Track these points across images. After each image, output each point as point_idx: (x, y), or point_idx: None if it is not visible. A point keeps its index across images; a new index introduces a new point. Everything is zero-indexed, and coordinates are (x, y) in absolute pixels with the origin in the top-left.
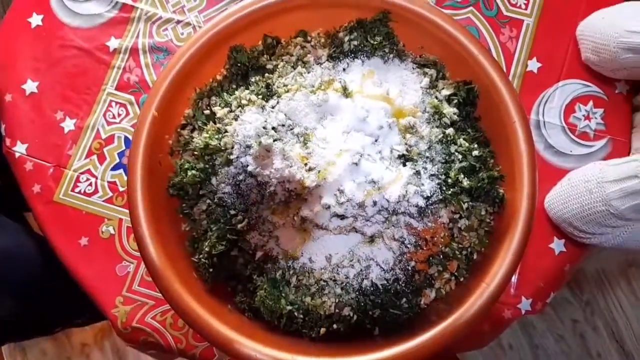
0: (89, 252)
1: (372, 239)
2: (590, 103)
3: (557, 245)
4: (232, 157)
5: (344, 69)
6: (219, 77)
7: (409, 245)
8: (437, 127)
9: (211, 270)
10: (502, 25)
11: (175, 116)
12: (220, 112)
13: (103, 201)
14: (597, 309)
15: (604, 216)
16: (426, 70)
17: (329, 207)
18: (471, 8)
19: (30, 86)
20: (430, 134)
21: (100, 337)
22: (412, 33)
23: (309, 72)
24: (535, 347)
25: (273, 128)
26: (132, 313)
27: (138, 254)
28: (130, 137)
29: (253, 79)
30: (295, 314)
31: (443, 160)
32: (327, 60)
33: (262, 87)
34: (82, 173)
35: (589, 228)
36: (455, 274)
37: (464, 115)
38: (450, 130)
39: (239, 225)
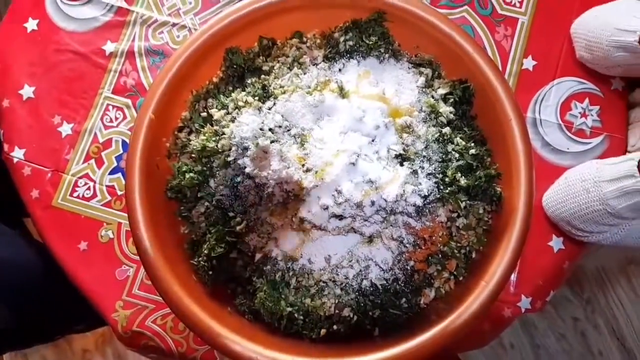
0: (88, 256)
1: (370, 239)
2: (586, 100)
3: (556, 243)
4: (229, 159)
5: (339, 70)
6: (215, 79)
7: (407, 245)
8: (434, 126)
9: (210, 272)
10: (497, 23)
11: (172, 119)
12: (217, 114)
13: (102, 205)
14: (597, 307)
15: (601, 215)
16: (422, 69)
17: (327, 207)
18: (466, 7)
19: (27, 91)
20: (426, 133)
21: (101, 343)
22: (407, 33)
23: (305, 73)
24: (536, 347)
25: (270, 129)
26: (132, 317)
27: (137, 257)
28: (127, 140)
29: (249, 81)
30: (295, 315)
31: (440, 159)
32: (323, 61)
33: (258, 88)
34: (80, 177)
35: (587, 227)
36: (455, 273)
37: (460, 114)
38: (446, 129)
39: (238, 227)
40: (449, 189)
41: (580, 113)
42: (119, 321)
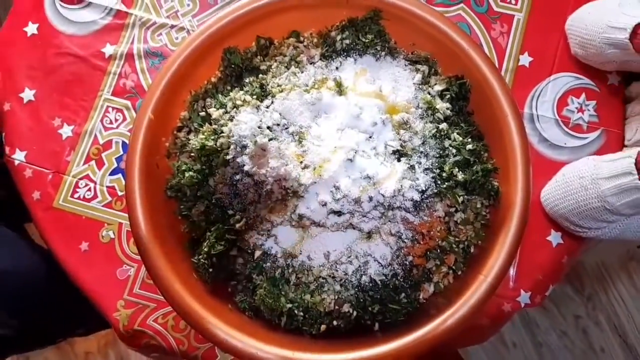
0: (90, 256)
1: (369, 235)
2: (583, 95)
3: (555, 237)
4: (228, 157)
5: (336, 68)
6: (213, 79)
7: (406, 240)
8: (431, 122)
9: (211, 270)
10: (492, 21)
11: (171, 119)
12: (215, 113)
13: (102, 206)
14: (598, 304)
15: (599, 212)
16: (418, 66)
17: (325, 203)
18: (462, 5)
19: (28, 94)
20: (423, 129)
21: (104, 346)
22: (403, 30)
23: (302, 72)
24: (538, 344)
25: (268, 127)
26: (133, 316)
27: (138, 257)
28: (127, 141)
29: (247, 80)
30: (295, 311)
31: (437, 155)
32: (320, 59)
33: (256, 87)
34: (80, 179)
35: (585, 223)
36: (453, 267)
37: (457, 110)
38: (443, 125)
39: (237, 225)
40: (446, 183)
41: (577, 108)
42: (120, 320)
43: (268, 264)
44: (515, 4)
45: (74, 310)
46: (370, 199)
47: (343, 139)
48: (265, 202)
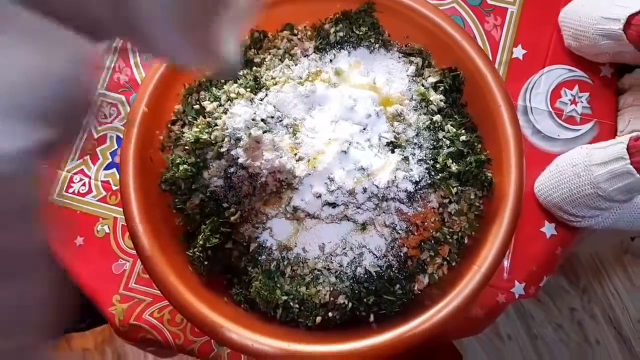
0: (85, 251)
1: (364, 227)
2: (576, 87)
3: (548, 228)
4: (222, 150)
5: (330, 60)
6: (207, 72)
7: (400, 231)
8: (425, 114)
9: (206, 263)
10: (486, 13)
11: (165, 112)
12: (209, 106)
13: (97, 201)
14: (594, 297)
15: (592, 199)
16: (412, 58)
17: (320, 195)
18: None
19: None
20: (417, 121)
21: (100, 342)
22: (397, 23)
23: (296, 65)
24: (534, 337)
25: (262, 120)
26: (129, 310)
27: (134, 252)
28: (122, 136)
29: (241, 73)
30: (291, 303)
31: (431, 146)
32: (314, 52)
33: (250, 80)
34: (75, 173)
35: (579, 211)
36: (447, 258)
37: (451, 102)
38: (437, 117)
39: (232, 218)
40: (440, 175)
41: (570, 100)
42: (116, 315)
43: (263, 257)
44: None
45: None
46: (365, 190)
47: (337, 131)
48: (260, 194)
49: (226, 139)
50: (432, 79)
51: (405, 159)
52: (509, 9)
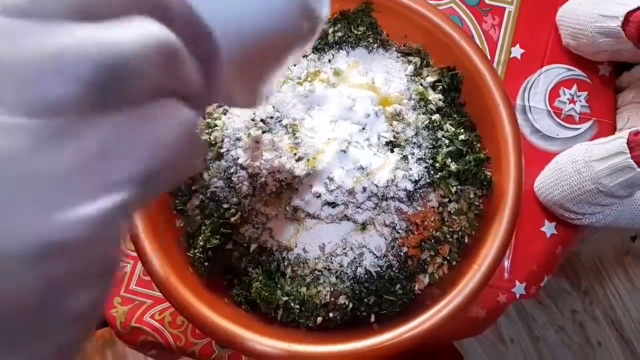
0: None
1: (363, 226)
2: (575, 86)
3: (548, 228)
4: (222, 150)
5: (329, 60)
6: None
7: (400, 231)
8: (423, 113)
9: (206, 264)
10: (484, 13)
11: None
12: (209, 107)
13: None
14: (595, 299)
15: (593, 195)
16: (410, 58)
17: (319, 195)
18: None
19: None
20: (416, 120)
21: (101, 345)
22: (395, 22)
23: (295, 65)
24: (536, 339)
25: (262, 120)
26: (130, 313)
27: (134, 254)
28: None
29: None
30: (292, 304)
31: (430, 146)
32: (313, 52)
33: None
34: None
35: (580, 208)
36: (448, 258)
37: (449, 101)
38: (436, 116)
39: (233, 219)
40: (439, 174)
41: (568, 99)
42: (117, 317)
43: (263, 257)
44: None
45: None
46: (364, 189)
47: (336, 131)
48: (260, 195)
49: (226, 140)
50: (430, 79)
51: (405, 158)
52: (506, 8)
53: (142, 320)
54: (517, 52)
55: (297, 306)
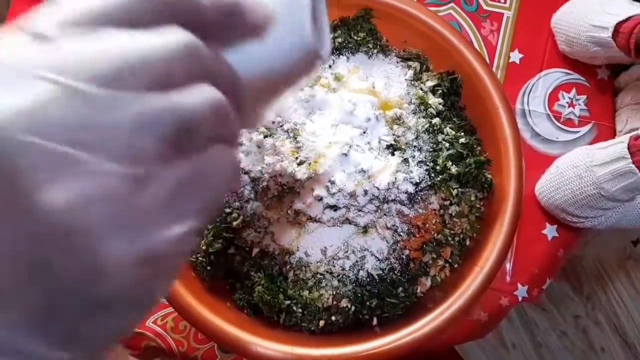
0: None
1: (365, 229)
2: (573, 90)
3: (550, 231)
4: None
5: (330, 66)
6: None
7: (402, 234)
8: (424, 117)
9: (209, 268)
10: (482, 19)
11: None
12: None
13: None
14: (598, 304)
15: (595, 199)
16: (410, 63)
17: (321, 198)
18: (452, 4)
19: None
20: (417, 124)
21: None
22: (395, 28)
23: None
24: (538, 345)
25: (263, 125)
26: None
27: None
28: None
29: None
30: (294, 308)
31: (431, 149)
32: None
33: None
34: None
35: (582, 212)
36: (449, 260)
37: (449, 105)
38: (436, 120)
39: (234, 223)
40: (440, 176)
41: (567, 103)
42: None
43: (266, 261)
44: (504, 3)
45: None
46: (365, 192)
47: (337, 134)
48: (262, 199)
49: None
50: (430, 83)
51: (405, 161)
52: (504, 14)
53: (145, 325)
54: (515, 57)
55: (300, 310)
